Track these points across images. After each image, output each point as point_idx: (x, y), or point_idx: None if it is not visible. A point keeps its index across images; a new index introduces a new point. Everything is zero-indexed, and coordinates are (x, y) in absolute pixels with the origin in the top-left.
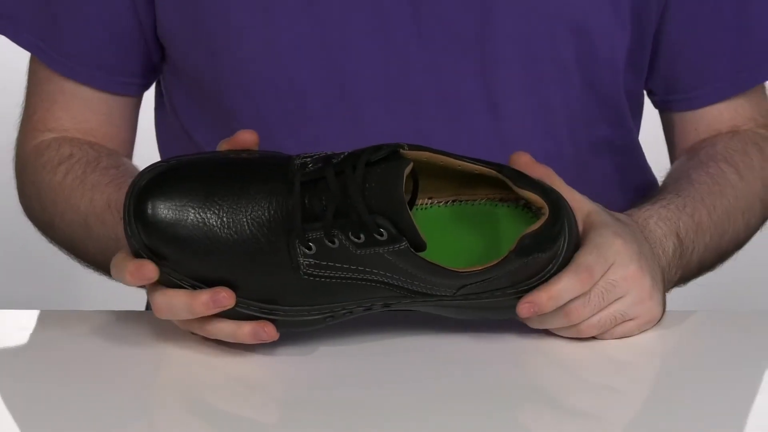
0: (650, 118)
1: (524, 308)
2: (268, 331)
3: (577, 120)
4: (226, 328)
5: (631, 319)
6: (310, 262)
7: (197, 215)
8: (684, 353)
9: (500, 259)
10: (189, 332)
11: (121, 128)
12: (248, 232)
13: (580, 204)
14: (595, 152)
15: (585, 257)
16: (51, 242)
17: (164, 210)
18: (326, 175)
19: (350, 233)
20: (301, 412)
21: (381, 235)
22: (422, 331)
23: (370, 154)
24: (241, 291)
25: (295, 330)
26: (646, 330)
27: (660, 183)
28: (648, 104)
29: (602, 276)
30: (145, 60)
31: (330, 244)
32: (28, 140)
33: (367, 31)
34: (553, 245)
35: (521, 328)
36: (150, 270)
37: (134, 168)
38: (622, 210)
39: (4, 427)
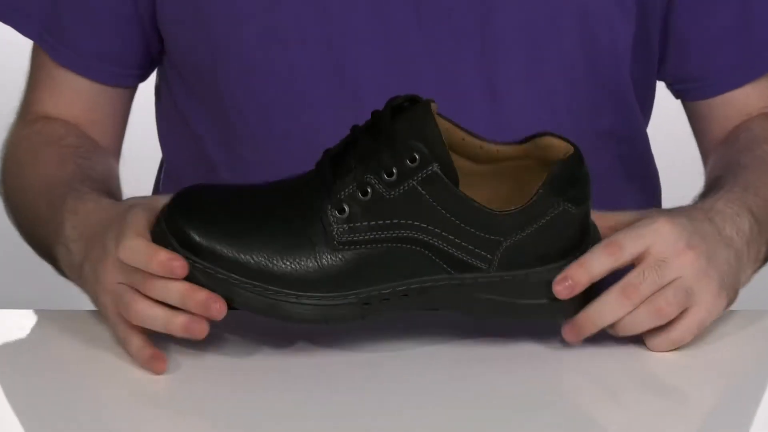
0: (657, 112)
1: (560, 288)
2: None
3: (580, 109)
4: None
5: (695, 306)
6: (343, 228)
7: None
8: (685, 353)
9: (534, 195)
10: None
11: (110, 118)
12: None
13: (623, 216)
14: (598, 142)
15: (616, 234)
16: (17, 227)
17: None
18: (354, 129)
19: (382, 172)
20: (300, 412)
21: (413, 160)
22: (423, 336)
23: (392, 102)
24: (270, 277)
25: (330, 318)
26: (716, 318)
27: (667, 178)
28: (658, 98)
29: (645, 252)
30: (143, 51)
31: (362, 196)
32: (17, 125)
33: (368, 18)
34: (583, 200)
35: (523, 331)
36: (181, 266)
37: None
38: (624, 205)
39: (4, 425)
